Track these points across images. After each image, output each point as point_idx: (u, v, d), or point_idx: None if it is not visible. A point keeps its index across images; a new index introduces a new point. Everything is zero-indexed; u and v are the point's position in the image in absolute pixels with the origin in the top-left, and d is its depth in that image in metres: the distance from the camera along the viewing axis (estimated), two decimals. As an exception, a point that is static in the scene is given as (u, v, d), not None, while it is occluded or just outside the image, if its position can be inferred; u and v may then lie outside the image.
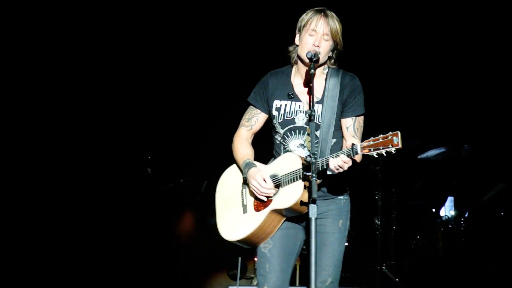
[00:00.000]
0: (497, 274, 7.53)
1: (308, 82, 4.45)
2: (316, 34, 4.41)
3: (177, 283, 8.12)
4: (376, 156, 3.96)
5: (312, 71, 4.21)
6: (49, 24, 8.02)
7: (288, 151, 4.50)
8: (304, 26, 4.48)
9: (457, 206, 8.08)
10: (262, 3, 8.30)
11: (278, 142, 4.59)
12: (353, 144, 4.02)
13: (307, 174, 3.96)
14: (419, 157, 8.04)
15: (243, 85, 7.78)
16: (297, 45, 4.52)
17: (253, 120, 4.70)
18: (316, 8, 4.49)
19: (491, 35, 8.17)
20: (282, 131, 4.53)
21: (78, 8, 8.06)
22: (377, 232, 7.97)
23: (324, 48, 4.41)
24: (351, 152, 4.01)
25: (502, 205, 7.77)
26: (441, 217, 8.15)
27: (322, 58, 4.42)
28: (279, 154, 4.56)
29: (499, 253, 7.70)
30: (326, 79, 4.52)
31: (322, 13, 4.44)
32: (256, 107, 4.68)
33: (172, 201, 8.45)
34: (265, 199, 4.39)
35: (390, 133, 3.89)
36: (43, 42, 8.09)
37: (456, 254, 7.66)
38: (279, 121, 4.53)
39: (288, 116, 4.51)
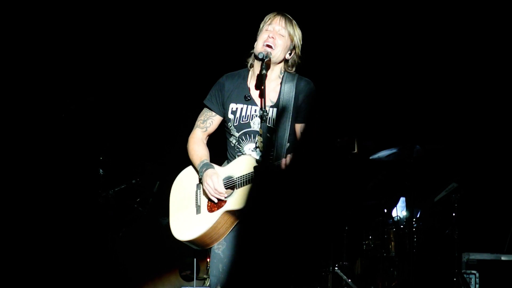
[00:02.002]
0: (446, 274, 7.61)
1: (261, 84, 4.46)
2: (272, 30, 4.44)
3: (129, 284, 8.04)
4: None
5: (264, 71, 4.22)
6: (32, 23, 7.94)
7: (243, 154, 4.49)
8: (262, 26, 4.56)
9: (409, 206, 8.14)
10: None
11: (232, 145, 4.58)
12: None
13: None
14: (371, 157, 8.07)
15: (197, 86, 7.82)
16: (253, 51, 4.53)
17: (208, 122, 4.70)
18: (276, 11, 4.59)
19: (445, 33, 8.26)
20: (237, 135, 4.52)
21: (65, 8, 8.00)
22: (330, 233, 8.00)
23: (280, 44, 4.45)
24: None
25: (454, 205, 7.84)
26: (393, 218, 8.20)
27: (277, 53, 4.46)
28: (233, 157, 4.55)
29: (451, 253, 7.79)
30: (281, 83, 4.52)
31: (281, 14, 4.53)
32: (211, 110, 4.67)
33: (124, 201, 8.38)
34: (215, 200, 4.38)
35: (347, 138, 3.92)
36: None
37: (408, 254, 7.71)
38: (235, 124, 4.53)
39: (243, 120, 4.51)
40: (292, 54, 4.57)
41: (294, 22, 4.55)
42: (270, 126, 4.43)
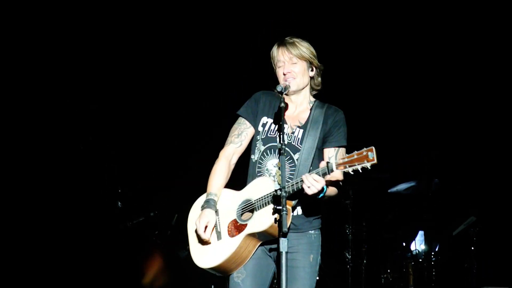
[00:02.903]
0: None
1: (291, 109, 4.57)
2: (283, 64, 4.49)
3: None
4: (352, 173, 3.94)
5: (282, 104, 4.22)
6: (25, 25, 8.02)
7: (261, 174, 4.47)
8: (273, 64, 4.60)
9: (427, 240, 8.11)
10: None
11: (253, 162, 4.56)
12: (328, 162, 4.01)
13: (278, 208, 3.90)
14: (389, 190, 8.07)
15: (217, 117, 7.88)
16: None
17: (243, 135, 4.66)
18: (277, 42, 4.59)
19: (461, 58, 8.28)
20: (262, 148, 4.51)
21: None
22: (348, 266, 7.97)
23: (298, 71, 4.49)
24: (326, 170, 4.01)
25: (472, 239, 7.80)
26: (411, 251, 8.17)
27: (298, 81, 4.50)
28: (253, 175, 4.52)
29: (468, 287, 7.74)
30: (311, 109, 4.57)
31: (281, 44, 4.54)
32: (247, 120, 4.65)
33: (143, 234, 8.38)
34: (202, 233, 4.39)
35: (365, 149, 3.88)
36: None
37: (427, 288, 7.68)
38: (262, 137, 4.53)
39: (271, 133, 4.51)
40: (314, 69, 4.60)
41: (296, 41, 4.54)
42: (296, 145, 4.45)
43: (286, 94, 4.32)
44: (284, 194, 3.86)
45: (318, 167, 4.37)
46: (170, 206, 8.43)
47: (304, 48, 4.51)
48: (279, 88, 4.24)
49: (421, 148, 8.47)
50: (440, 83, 8.43)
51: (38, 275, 7.93)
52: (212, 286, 7.30)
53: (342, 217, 8.09)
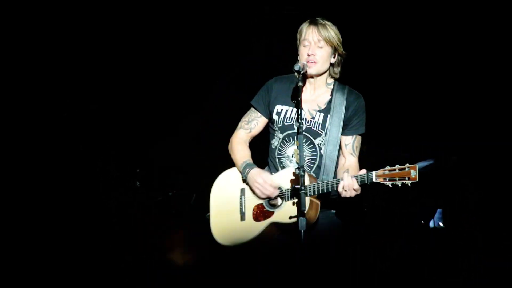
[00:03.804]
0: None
1: (310, 92, 4.56)
2: (309, 44, 4.45)
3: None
4: (391, 186, 3.93)
5: (300, 83, 4.20)
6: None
7: (285, 157, 4.49)
8: (299, 39, 4.55)
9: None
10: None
11: (273, 147, 4.59)
12: (368, 171, 4.01)
13: (296, 187, 3.92)
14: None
15: (232, 94, 7.86)
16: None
17: (253, 123, 4.70)
18: (309, 20, 4.54)
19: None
20: (281, 136, 4.53)
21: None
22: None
23: (321, 56, 4.46)
24: (365, 179, 4.01)
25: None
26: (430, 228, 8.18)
27: (321, 66, 4.48)
28: (274, 160, 4.55)
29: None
30: (332, 94, 4.55)
31: (313, 23, 4.49)
32: (257, 110, 4.68)
33: (161, 214, 8.41)
34: (265, 197, 4.37)
35: (408, 165, 3.89)
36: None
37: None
38: (279, 125, 4.54)
39: (287, 121, 4.52)
40: (336, 55, 4.57)
41: (328, 24, 4.49)
42: (316, 130, 4.45)
43: (303, 74, 4.32)
44: (302, 173, 3.87)
45: (339, 153, 4.40)
46: (189, 186, 8.46)
47: (334, 33, 4.48)
48: (296, 67, 4.22)
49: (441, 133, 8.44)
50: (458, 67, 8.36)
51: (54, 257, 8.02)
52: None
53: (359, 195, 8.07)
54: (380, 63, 8.29)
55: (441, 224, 8.21)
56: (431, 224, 8.28)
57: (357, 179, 4.02)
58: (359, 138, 4.52)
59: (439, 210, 8.34)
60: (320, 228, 4.41)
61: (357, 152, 4.49)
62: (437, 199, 8.30)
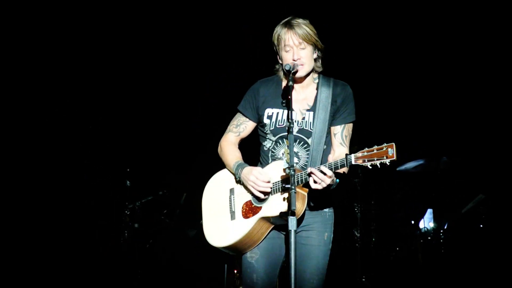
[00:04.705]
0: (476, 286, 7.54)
1: (298, 92, 4.54)
2: (291, 48, 4.42)
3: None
4: (370, 167, 3.93)
5: (291, 83, 4.20)
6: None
7: (279, 158, 4.49)
8: (278, 45, 4.50)
9: (436, 218, 8.09)
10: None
11: (266, 149, 4.58)
12: (346, 155, 3.99)
13: (287, 186, 3.92)
14: (398, 169, 8.04)
15: (224, 96, 7.86)
16: (281, 63, 4.52)
17: (241, 127, 4.69)
18: (282, 22, 4.50)
19: (466, 46, 8.22)
20: (274, 139, 4.52)
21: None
22: (357, 244, 7.97)
23: (305, 57, 4.43)
24: (345, 162, 3.98)
25: (481, 217, 7.78)
26: (420, 229, 8.16)
27: (308, 66, 4.45)
28: (267, 162, 4.54)
29: (478, 265, 7.72)
30: (317, 88, 4.54)
31: (288, 27, 4.43)
32: (245, 115, 4.66)
33: (151, 213, 8.40)
34: (262, 196, 4.34)
35: (385, 144, 3.87)
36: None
37: (435, 265, 7.66)
38: (271, 129, 4.52)
39: (280, 124, 4.50)
40: (316, 51, 4.53)
41: (301, 23, 4.44)
42: (307, 129, 4.44)
43: (293, 74, 4.31)
44: (292, 172, 3.87)
45: (329, 143, 4.40)
46: (179, 185, 8.46)
47: (309, 29, 4.44)
48: (287, 67, 4.24)
49: (430, 129, 8.44)
50: (447, 70, 8.39)
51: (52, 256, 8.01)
52: (226, 265, 7.32)
53: (351, 196, 8.07)
54: (378, 63, 8.33)
55: (431, 225, 8.21)
56: (421, 224, 8.28)
57: (336, 164, 4.02)
58: (348, 126, 4.50)
59: (429, 210, 8.35)
60: (315, 227, 4.44)
61: (347, 141, 4.47)
62: (428, 199, 8.31)
